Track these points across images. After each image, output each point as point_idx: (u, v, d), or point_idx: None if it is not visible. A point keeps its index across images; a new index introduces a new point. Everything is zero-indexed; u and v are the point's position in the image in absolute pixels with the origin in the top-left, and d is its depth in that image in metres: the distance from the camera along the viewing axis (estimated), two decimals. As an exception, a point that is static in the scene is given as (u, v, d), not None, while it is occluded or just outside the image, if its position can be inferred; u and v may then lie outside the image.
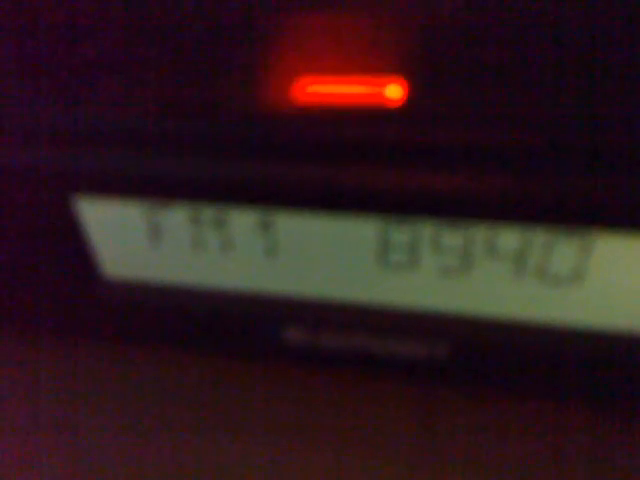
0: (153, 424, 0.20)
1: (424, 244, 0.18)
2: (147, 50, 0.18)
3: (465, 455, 0.19)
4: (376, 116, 0.16)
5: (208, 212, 0.19)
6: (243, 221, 0.18)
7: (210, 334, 0.21)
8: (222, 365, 0.21)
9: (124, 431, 0.20)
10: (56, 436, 0.20)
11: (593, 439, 0.19)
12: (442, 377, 0.20)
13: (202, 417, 0.20)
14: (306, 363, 0.21)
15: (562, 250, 0.17)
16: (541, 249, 0.17)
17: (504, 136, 0.16)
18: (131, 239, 0.20)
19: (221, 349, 0.21)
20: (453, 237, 0.17)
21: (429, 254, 0.18)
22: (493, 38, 0.16)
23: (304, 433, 0.20)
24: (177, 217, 0.19)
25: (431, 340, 0.19)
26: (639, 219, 0.15)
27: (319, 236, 0.18)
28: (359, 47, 0.17)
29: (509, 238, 0.17)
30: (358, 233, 0.18)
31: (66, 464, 0.19)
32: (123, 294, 0.21)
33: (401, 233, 0.18)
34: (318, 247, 0.19)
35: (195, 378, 0.21)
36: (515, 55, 0.16)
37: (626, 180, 0.15)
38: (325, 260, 0.19)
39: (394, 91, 0.16)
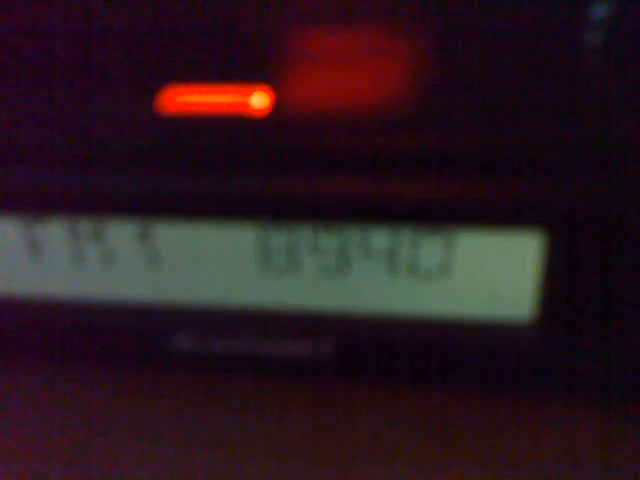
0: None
1: (303, 247, 0.18)
2: (19, 70, 0.18)
3: (365, 448, 0.20)
4: (242, 125, 0.16)
5: (85, 225, 0.18)
6: (121, 232, 0.18)
7: (100, 348, 0.21)
8: (117, 377, 0.21)
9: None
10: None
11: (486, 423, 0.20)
12: (331, 373, 0.20)
13: (102, 426, 0.20)
14: (198, 370, 0.21)
15: (429, 247, 0.17)
16: (410, 247, 0.18)
17: (370, 141, 0.16)
18: (11, 256, 0.20)
19: (112, 362, 0.21)
20: (329, 239, 0.18)
21: (308, 257, 0.18)
22: (354, 47, 0.17)
23: (200, 438, 0.20)
24: (54, 231, 0.19)
25: (316, 338, 0.19)
26: (494, 217, 0.16)
27: (199, 244, 0.18)
28: (225, 56, 0.17)
29: (380, 238, 0.18)
30: (238, 239, 0.18)
31: None
32: (7, 312, 0.21)
33: (280, 238, 0.18)
34: (199, 255, 0.19)
35: (90, 391, 0.21)
36: (376, 65, 0.17)
37: (480, 182, 0.16)
38: (208, 267, 0.19)
39: (259, 100, 0.16)
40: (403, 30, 0.16)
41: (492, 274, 0.17)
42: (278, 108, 0.16)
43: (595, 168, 0.15)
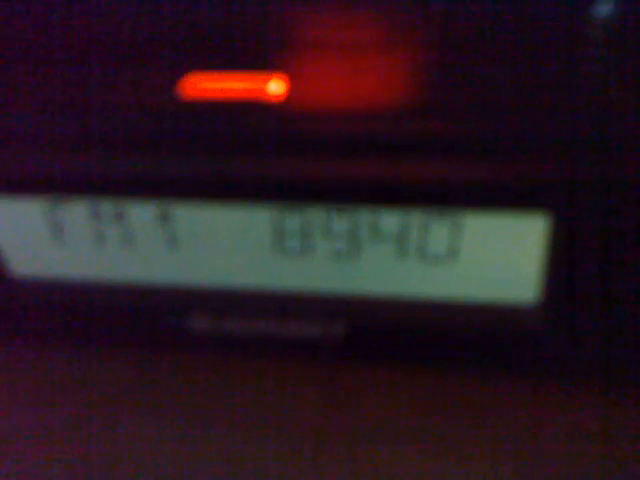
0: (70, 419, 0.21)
1: (316, 231, 0.19)
2: (40, 54, 0.18)
3: (373, 428, 0.20)
4: (259, 110, 0.17)
5: (106, 207, 0.19)
6: (141, 214, 0.19)
7: (118, 327, 0.21)
8: (132, 356, 0.22)
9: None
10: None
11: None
12: (341, 354, 0.21)
13: (120, 405, 0.21)
14: (211, 350, 0.21)
15: (437, 231, 0.18)
16: (419, 231, 0.18)
17: (381, 127, 0.17)
18: (35, 237, 0.20)
19: (129, 341, 0.22)
20: (341, 223, 0.19)
21: (321, 240, 0.19)
22: (368, 37, 0.18)
23: (213, 417, 0.21)
24: (77, 213, 0.19)
25: (326, 320, 0.20)
26: (500, 199, 0.17)
27: (217, 226, 0.19)
28: (244, 45, 0.18)
29: (390, 222, 0.18)
30: (254, 222, 0.19)
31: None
32: (32, 292, 0.21)
33: (294, 221, 0.19)
34: (217, 237, 0.19)
35: (111, 370, 0.22)
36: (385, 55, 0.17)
37: (486, 166, 0.17)
38: (224, 249, 0.20)
39: (275, 87, 0.17)
40: (416, 21, 0.17)
41: (498, 257, 0.18)
42: (293, 95, 0.17)
43: (600, 152, 0.16)
